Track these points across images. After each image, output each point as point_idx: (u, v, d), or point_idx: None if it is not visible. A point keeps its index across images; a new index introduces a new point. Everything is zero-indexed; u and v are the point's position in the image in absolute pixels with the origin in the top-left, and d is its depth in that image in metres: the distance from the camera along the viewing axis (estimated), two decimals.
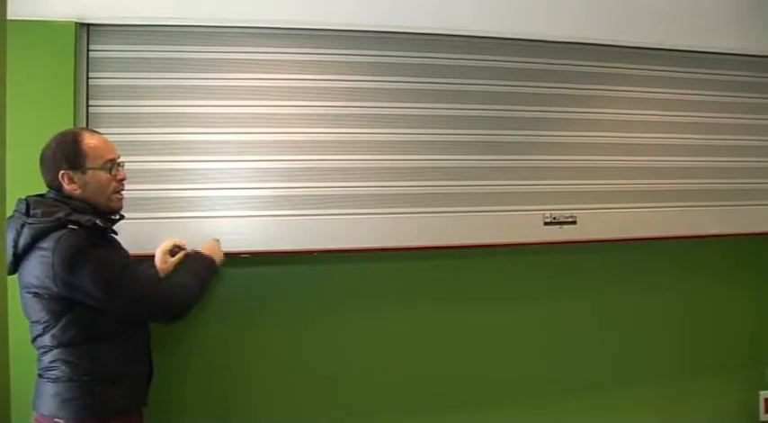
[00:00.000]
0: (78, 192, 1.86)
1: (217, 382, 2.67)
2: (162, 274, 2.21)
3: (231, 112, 2.50)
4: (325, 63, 2.60)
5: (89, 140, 1.89)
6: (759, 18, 3.05)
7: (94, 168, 1.88)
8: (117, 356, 1.84)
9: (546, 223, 2.77)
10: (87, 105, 2.40)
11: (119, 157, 1.96)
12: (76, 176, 1.86)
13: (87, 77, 2.41)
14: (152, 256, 2.27)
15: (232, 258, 2.54)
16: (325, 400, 2.79)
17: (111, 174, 1.92)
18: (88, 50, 2.43)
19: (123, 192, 1.98)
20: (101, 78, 2.43)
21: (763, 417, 3.57)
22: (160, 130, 2.45)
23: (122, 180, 1.97)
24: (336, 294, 2.81)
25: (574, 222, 2.81)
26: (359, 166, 2.59)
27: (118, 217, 2.01)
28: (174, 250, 2.30)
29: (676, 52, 3.02)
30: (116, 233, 1.97)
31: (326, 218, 2.55)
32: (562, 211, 2.79)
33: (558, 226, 2.78)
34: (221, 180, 2.49)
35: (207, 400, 2.66)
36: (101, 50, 2.44)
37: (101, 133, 1.96)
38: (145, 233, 2.33)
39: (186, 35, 2.48)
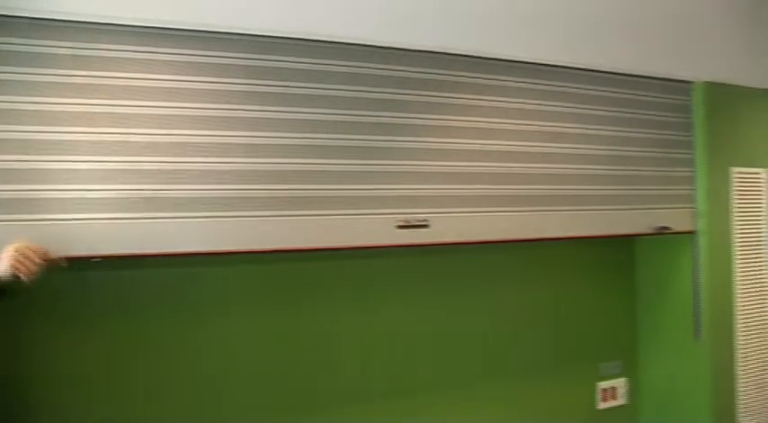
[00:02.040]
0: None
1: (98, 387, 2.67)
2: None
3: (87, 111, 2.34)
4: (187, 64, 2.49)
5: None
6: (603, 36, 3.26)
7: None
8: None
9: (398, 227, 2.83)
10: None
11: None
12: None
13: None
14: None
15: (101, 262, 2.47)
16: (208, 402, 2.86)
17: None
18: None
19: None
20: None
21: (600, 406, 3.86)
22: (10, 128, 2.27)
23: None
24: (196, 298, 2.85)
25: (426, 226, 2.89)
26: (218, 169, 2.52)
27: None
28: None
29: (528, 64, 3.15)
30: None
31: (183, 220, 2.46)
32: (415, 215, 2.87)
33: (410, 229, 2.85)
34: (78, 181, 2.34)
35: (84, 403, 2.64)
36: None
37: None
38: None
39: (43, 29, 2.29)
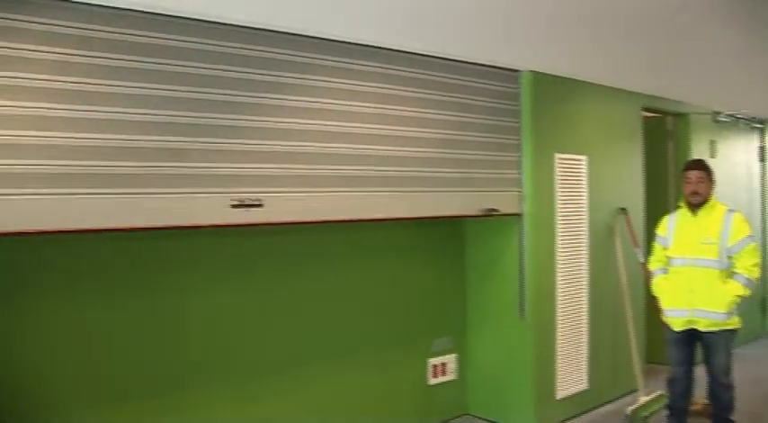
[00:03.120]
0: None
1: None
2: None
3: None
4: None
5: None
6: (437, 23, 3.32)
7: None
8: None
9: (233, 206, 2.75)
10: None
11: None
12: None
13: None
14: None
15: None
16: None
17: None
18: None
19: None
20: None
21: (431, 381, 3.99)
22: None
23: None
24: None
25: (260, 205, 2.83)
26: (36, 144, 2.28)
27: None
28: None
29: (364, 47, 3.14)
30: None
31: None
32: (249, 194, 2.80)
33: (244, 209, 2.78)
34: None
35: None
36: None
37: None
38: None
39: None
